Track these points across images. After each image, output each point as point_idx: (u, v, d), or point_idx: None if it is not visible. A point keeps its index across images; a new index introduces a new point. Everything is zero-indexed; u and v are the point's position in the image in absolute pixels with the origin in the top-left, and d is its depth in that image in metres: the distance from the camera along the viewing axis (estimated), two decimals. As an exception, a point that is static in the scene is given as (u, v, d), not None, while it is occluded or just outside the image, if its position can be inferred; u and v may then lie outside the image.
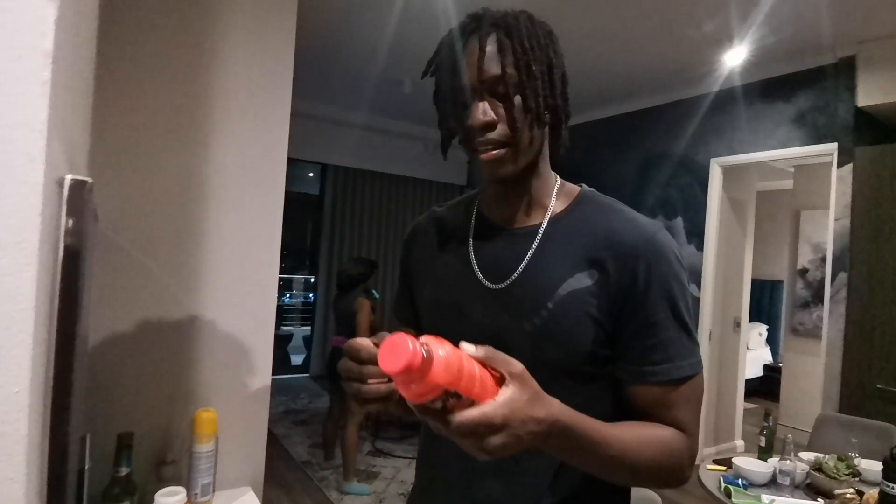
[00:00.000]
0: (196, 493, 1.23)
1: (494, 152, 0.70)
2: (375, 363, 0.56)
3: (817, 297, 4.62)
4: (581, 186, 0.82)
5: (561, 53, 0.75)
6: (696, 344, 0.71)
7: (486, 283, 0.77)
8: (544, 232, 0.76)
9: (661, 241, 0.71)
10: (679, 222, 4.15)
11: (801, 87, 3.46)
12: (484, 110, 0.68)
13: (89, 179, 0.37)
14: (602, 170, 4.71)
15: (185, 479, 1.23)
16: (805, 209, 4.86)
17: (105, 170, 1.21)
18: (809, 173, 4.71)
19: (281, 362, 6.42)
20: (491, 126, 0.69)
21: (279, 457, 3.73)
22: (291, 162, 1.70)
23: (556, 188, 0.79)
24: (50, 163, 0.33)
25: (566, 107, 0.75)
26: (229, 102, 1.38)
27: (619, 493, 0.79)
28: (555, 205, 0.78)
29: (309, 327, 6.33)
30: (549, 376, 0.69)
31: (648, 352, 0.69)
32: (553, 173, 0.81)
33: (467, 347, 0.54)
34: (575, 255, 0.73)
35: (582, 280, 0.71)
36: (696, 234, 4.03)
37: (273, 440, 3.98)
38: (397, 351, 0.46)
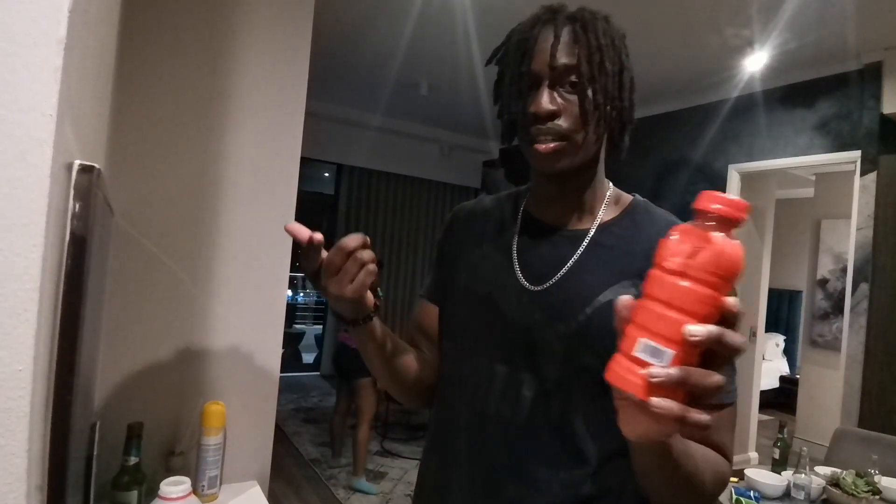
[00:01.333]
0: (203, 485, 1.24)
1: (553, 145, 0.68)
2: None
3: (837, 309, 4.53)
4: (634, 196, 0.80)
5: (630, 61, 0.73)
6: (735, 370, 0.68)
7: (525, 283, 0.75)
8: (591, 238, 0.74)
9: None
10: (696, 229, 4.10)
11: (824, 94, 3.40)
12: (551, 98, 0.67)
13: (97, 165, 0.38)
14: (619, 175, 4.65)
15: (192, 470, 1.24)
16: (826, 218, 4.76)
17: (122, 163, 1.23)
18: (831, 182, 4.62)
19: (292, 360, 6.47)
20: (554, 115, 0.67)
21: (288, 454, 3.76)
22: (307, 162, 1.72)
23: (608, 194, 0.78)
24: (59, 147, 0.34)
25: (631, 111, 0.73)
26: (245, 100, 1.40)
27: None
28: (605, 211, 0.76)
29: (321, 326, 6.38)
30: (580, 383, 0.69)
31: None
32: (607, 180, 0.79)
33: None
34: (620, 264, 0.71)
35: (625, 290, 0.68)
36: (712, 242, 3.98)
37: (283, 437, 4.01)
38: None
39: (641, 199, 0.79)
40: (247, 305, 1.42)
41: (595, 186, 0.76)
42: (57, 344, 0.35)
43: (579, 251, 0.73)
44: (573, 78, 0.67)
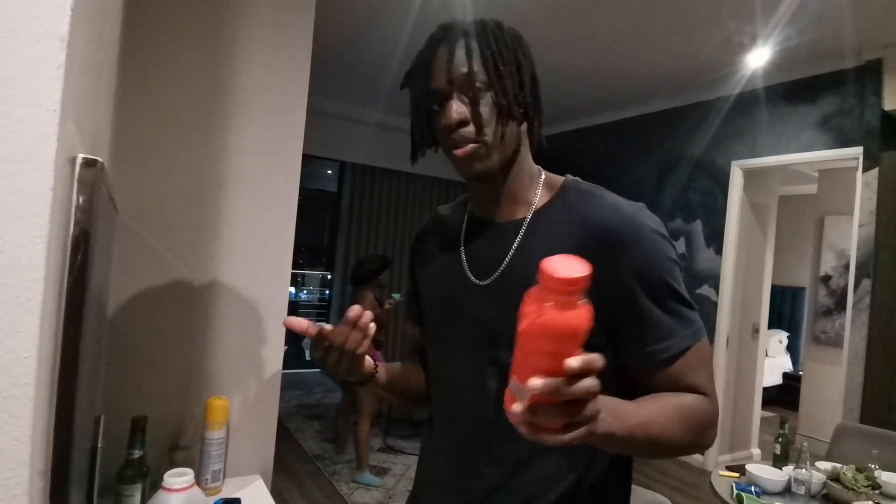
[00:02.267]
0: (206, 479, 1.26)
1: (469, 147, 0.72)
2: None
3: (840, 305, 4.52)
4: (565, 177, 0.82)
5: (531, 57, 0.77)
6: (692, 310, 0.72)
7: (473, 279, 0.80)
8: (528, 226, 0.77)
9: (641, 223, 0.71)
10: (698, 226, 4.10)
11: (826, 90, 3.39)
12: (456, 109, 0.70)
13: (100, 159, 0.39)
14: (620, 172, 4.67)
15: (196, 464, 1.26)
16: (829, 214, 4.75)
17: (125, 161, 1.24)
18: (834, 178, 4.61)
19: (295, 357, 6.48)
20: (463, 123, 0.71)
21: (291, 450, 3.78)
22: (310, 159, 1.73)
23: (540, 181, 0.81)
24: (62, 142, 0.34)
25: (537, 104, 0.76)
26: (246, 98, 1.41)
27: (617, 491, 0.79)
28: (539, 198, 0.79)
29: (324, 323, 6.38)
30: None
31: (644, 336, 0.70)
32: (537, 167, 0.82)
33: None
34: (559, 247, 0.70)
35: None
36: (715, 239, 3.98)
37: (286, 434, 4.03)
38: (573, 262, 0.45)
39: (572, 178, 0.81)
40: (250, 301, 1.43)
41: (523, 177, 0.79)
42: (62, 333, 0.36)
43: (517, 241, 0.77)
44: (475, 85, 0.71)
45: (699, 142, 4.10)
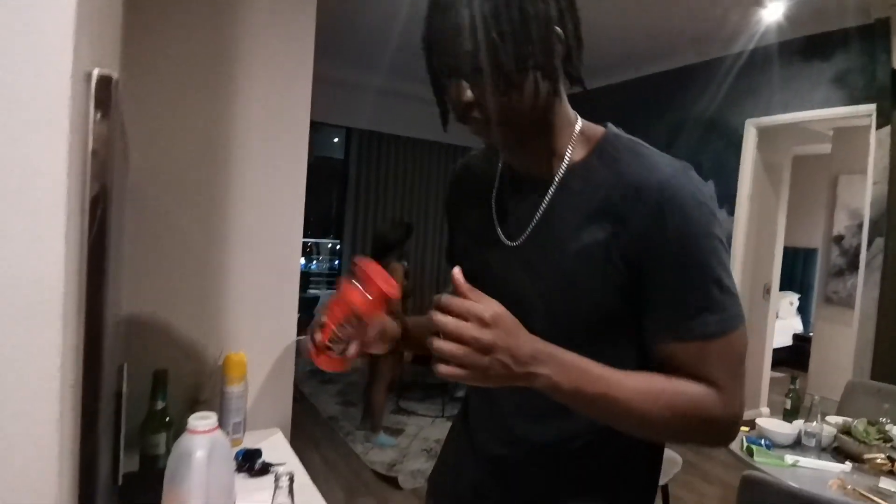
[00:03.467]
0: (228, 431, 1.29)
1: (482, 129, 0.67)
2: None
3: (853, 266, 4.48)
4: (606, 127, 0.74)
5: (541, 4, 0.64)
6: (730, 296, 0.64)
7: (504, 240, 0.75)
8: (559, 183, 0.71)
9: (678, 185, 0.64)
10: (711, 186, 4.05)
11: (840, 47, 3.29)
12: (460, 93, 0.64)
13: (115, 75, 0.38)
14: (632, 132, 4.56)
15: (217, 417, 1.29)
16: (843, 174, 4.66)
17: (132, 123, 1.24)
18: (848, 136, 4.50)
19: (307, 324, 6.54)
20: (471, 106, 0.65)
21: (307, 413, 3.86)
22: (316, 126, 1.71)
23: (576, 132, 0.73)
24: (78, 55, 0.34)
25: (552, 56, 0.65)
26: (251, 58, 1.39)
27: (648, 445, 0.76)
28: (573, 152, 0.72)
29: (334, 290, 6.44)
30: (566, 335, 0.67)
31: (671, 308, 0.65)
32: (573, 114, 0.74)
33: (456, 274, 0.62)
34: (589, 206, 0.68)
35: (595, 234, 0.66)
36: (727, 199, 3.93)
37: (301, 397, 4.11)
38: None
39: (613, 131, 0.74)
40: (262, 261, 1.44)
41: (555, 131, 0.72)
42: (87, 235, 0.36)
43: (546, 200, 0.72)
44: (478, 60, 0.62)
45: (712, 100, 4.01)
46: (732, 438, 0.67)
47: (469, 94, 0.64)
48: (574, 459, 0.74)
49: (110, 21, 0.65)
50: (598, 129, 0.74)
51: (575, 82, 0.71)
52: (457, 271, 0.62)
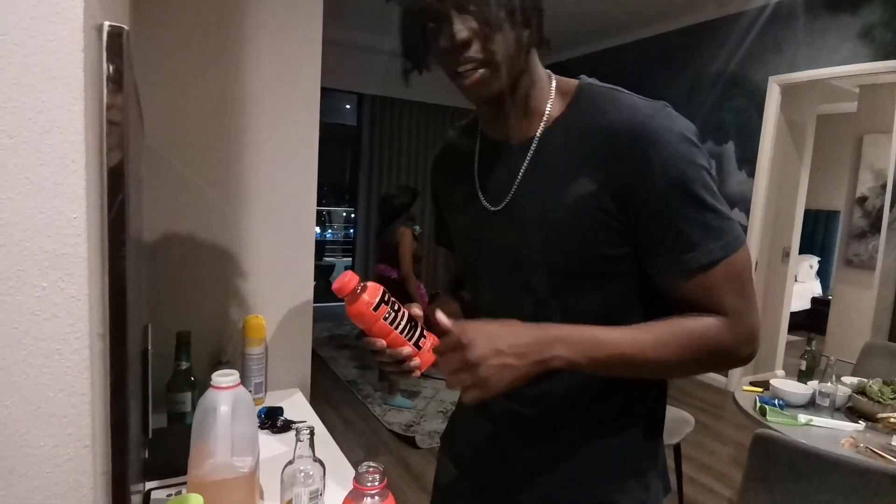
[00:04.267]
0: (250, 391, 1.33)
1: (478, 74, 0.65)
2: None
3: (875, 227, 4.38)
4: (580, 79, 0.74)
5: None
6: (726, 220, 0.66)
7: (488, 206, 0.77)
8: (539, 141, 0.72)
9: (659, 124, 0.64)
10: (730, 148, 3.95)
11: (869, -1, 3.14)
12: (458, 28, 0.63)
13: (126, 27, 0.38)
14: (650, 92, 4.45)
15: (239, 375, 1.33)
16: (868, 133, 4.52)
17: (144, 89, 1.24)
18: (875, 94, 4.35)
19: (324, 291, 6.65)
20: (468, 44, 0.64)
21: (325, 376, 3.96)
22: (327, 92, 1.69)
23: (552, 89, 0.74)
24: (88, 3, 0.34)
25: (538, 5, 0.68)
26: (260, 20, 1.37)
27: (652, 408, 0.79)
28: (551, 109, 0.73)
29: (350, 258, 6.51)
30: (569, 284, 0.71)
31: (670, 243, 0.66)
32: (546, 72, 0.75)
33: (440, 316, 0.68)
34: (574, 158, 0.69)
35: (585, 185, 0.67)
36: (748, 160, 3.84)
37: (319, 362, 4.21)
38: (342, 277, 0.68)
39: (586, 81, 0.74)
40: (278, 225, 1.46)
41: (533, 88, 0.72)
42: (106, 193, 0.37)
43: (526, 162, 0.73)
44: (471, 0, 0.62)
45: (733, 57, 3.88)
46: (751, 357, 0.69)
47: (464, 30, 0.63)
48: (585, 409, 0.76)
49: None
50: (572, 83, 0.75)
51: (541, 42, 0.71)
52: (440, 315, 0.68)
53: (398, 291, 3.22)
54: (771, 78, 3.66)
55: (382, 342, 0.69)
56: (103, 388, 0.40)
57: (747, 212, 3.84)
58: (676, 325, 0.67)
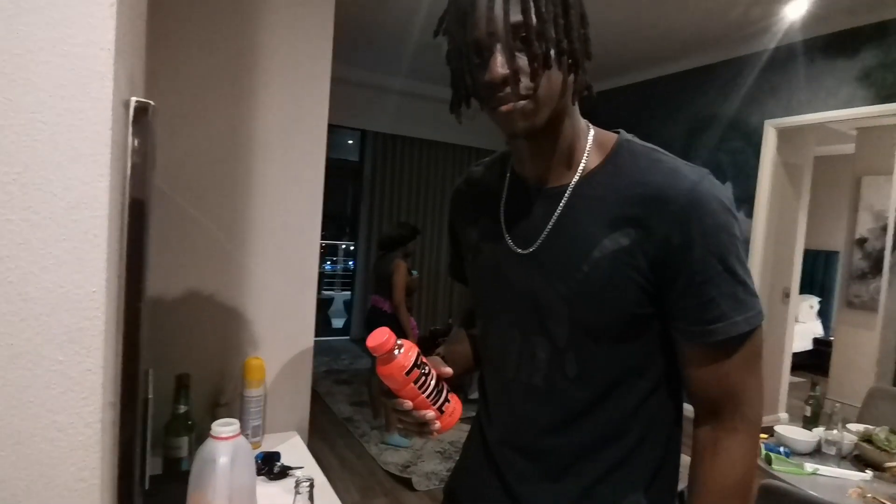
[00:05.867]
0: (248, 434, 1.31)
1: (514, 105, 0.65)
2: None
3: (875, 269, 4.39)
4: (619, 134, 0.75)
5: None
6: (753, 296, 0.67)
7: (515, 248, 0.76)
8: (574, 190, 0.72)
9: (703, 191, 0.65)
10: (728, 187, 4.00)
11: (867, 43, 3.22)
12: (502, 62, 0.63)
13: (152, 102, 0.40)
14: (649, 133, 4.51)
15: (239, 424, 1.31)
16: (867, 175, 4.58)
17: (157, 126, 1.26)
18: (873, 136, 4.42)
19: (323, 325, 6.61)
20: (508, 79, 0.64)
21: (322, 413, 3.89)
22: (332, 129, 1.72)
23: (589, 139, 0.74)
24: (117, 82, 0.35)
25: (586, 48, 0.68)
26: (271, 63, 1.40)
27: (666, 459, 0.79)
28: (588, 159, 0.73)
29: (349, 292, 6.48)
30: (590, 339, 0.70)
31: (700, 311, 0.66)
32: (585, 122, 0.75)
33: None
34: (610, 213, 0.69)
35: (618, 240, 0.67)
36: (746, 201, 3.88)
37: (316, 397, 4.15)
38: (379, 334, 0.67)
39: (626, 137, 0.74)
40: (282, 266, 1.46)
41: (571, 135, 0.72)
42: (125, 266, 0.37)
43: (561, 206, 0.72)
44: (519, 35, 0.63)
45: (732, 100, 3.96)
46: (758, 444, 0.71)
47: (505, 65, 0.63)
48: (595, 464, 0.74)
49: (139, 46, 0.67)
50: (611, 136, 0.75)
51: (585, 89, 0.71)
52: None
53: (388, 323, 3.20)
54: (767, 121, 3.73)
55: (409, 404, 0.70)
56: (112, 466, 0.39)
57: (747, 251, 3.86)
58: (713, 485, 0.69)
